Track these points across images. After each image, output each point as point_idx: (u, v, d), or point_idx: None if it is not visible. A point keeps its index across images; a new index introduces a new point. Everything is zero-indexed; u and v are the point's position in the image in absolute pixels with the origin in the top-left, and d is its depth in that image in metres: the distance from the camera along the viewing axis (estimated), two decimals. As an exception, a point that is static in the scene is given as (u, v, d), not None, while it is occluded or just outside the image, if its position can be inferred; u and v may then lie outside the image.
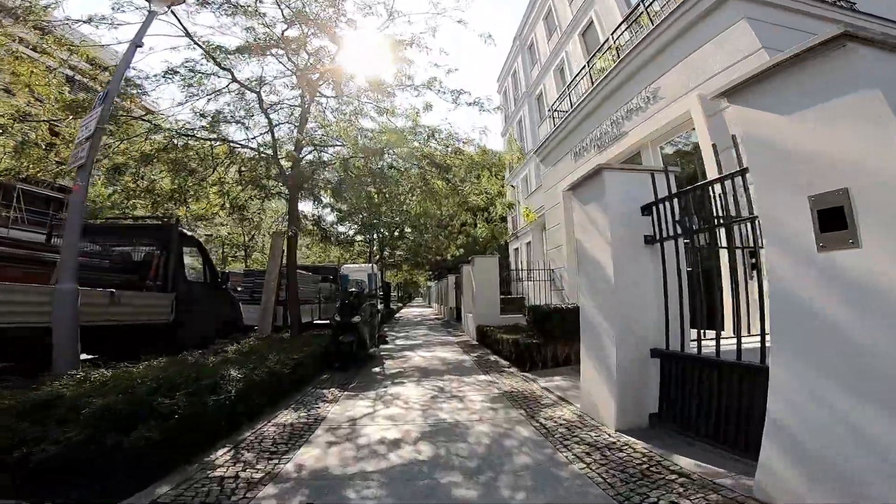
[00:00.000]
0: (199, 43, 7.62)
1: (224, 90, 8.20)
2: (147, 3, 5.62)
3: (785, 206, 1.87)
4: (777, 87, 1.94)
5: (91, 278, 6.16)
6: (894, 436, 1.49)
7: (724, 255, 3.56)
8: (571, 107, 10.11)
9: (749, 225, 2.98)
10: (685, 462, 2.65)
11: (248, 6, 7.73)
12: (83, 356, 6.36)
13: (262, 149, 8.26)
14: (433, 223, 15.77)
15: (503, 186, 16.74)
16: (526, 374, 5.66)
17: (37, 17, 7.72)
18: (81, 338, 5.81)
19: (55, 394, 3.05)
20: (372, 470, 2.75)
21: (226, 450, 3.14)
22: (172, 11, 7.29)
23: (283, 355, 5.16)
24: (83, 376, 3.57)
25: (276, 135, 8.33)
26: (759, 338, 2.66)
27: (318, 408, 4.22)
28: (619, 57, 8.11)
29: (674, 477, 2.47)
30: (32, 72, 7.49)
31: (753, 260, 4.65)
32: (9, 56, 7.37)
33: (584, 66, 10.34)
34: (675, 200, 3.05)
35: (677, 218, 3.04)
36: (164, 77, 7.68)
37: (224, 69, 7.87)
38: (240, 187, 8.53)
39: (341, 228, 15.38)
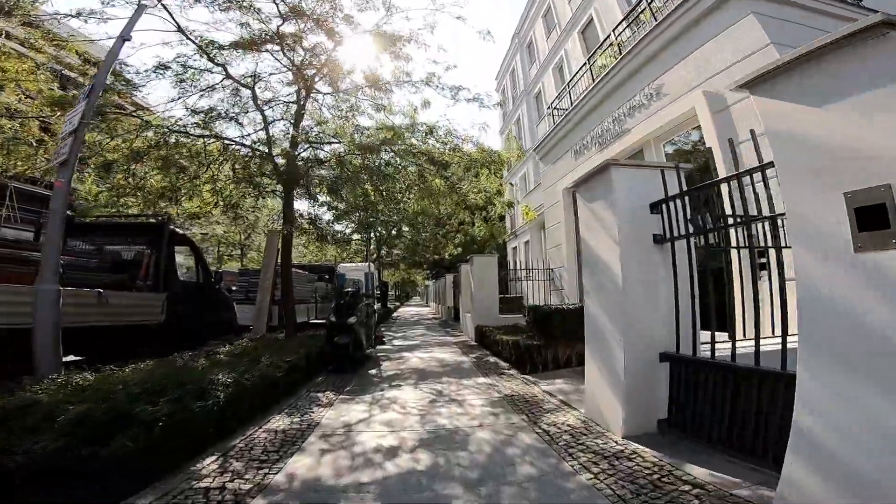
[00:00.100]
0: (192, 38, 7.43)
1: (218, 86, 8.02)
2: (136, -4, 5.43)
3: (816, 203, 1.73)
4: (807, 77, 1.79)
5: (79, 278, 5.99)
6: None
7: (732, 256, 3.43)
8: (571, 104, 9.98)
9: (760, 223, 2.86)
10: (698, 471, 2.51)
11: (243, 0, 7.56)
12: (71, 358, 6.23)
13: (255, 145, 8.07)
14: (431, 222, 15.61)
15: (502, 185, 16.59)
16: (526, 376, 5.51)
17: (24, 11, 7.52)
18: (68, 339, 5.65)
19: (31, 399, 2.89)
20: (367, 481, 2.60)
21: (214, 458, 2.98)
22: (164, 6, 7.11)
23: (277, 357, 4.99)
24: (64, 380, 3.41)
25: (270, 132, 8.16)
26: (773, 341, 2.53)
27: (312, 412, 4.06)
28: (620, 53, 7.99)
29: (687, 488, 2.33)
30: (20, 68, 7.29)
31: (763, 259, 4.55)
32: None
33: (585, 63, 10.21)
34: (688, 198, 2.91)
35: (689, 216, 2.89)
36: (154, 72, 7.49)
37: (218, 65, 7.69)
38: (233, 185, 8.33)
39: (338, 227, 15.19)
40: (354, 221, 14.54)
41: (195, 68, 7.71)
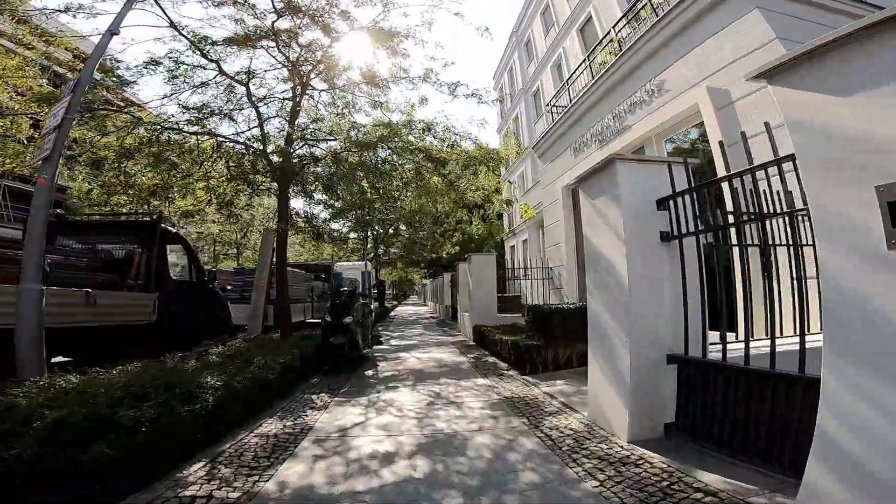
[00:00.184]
0: (184, 33, 7.27)
1: (211, 82, 7.86)
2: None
3: (843, 197, 1.61)
4: (834, 65, 1.68)
5: (67, 277, 5.84)
6: None
7: (743, 253, 3.32)
8: (570, 101, 9.86)
9: (774, 220, 2.74)
10: (710, 478, 2.39)
11: (238, -5, 7.41)
12: (60, 359, 6.08)
13: (249, 141, 7.93)
14: (429, 220, 15.48)
15: (500, 182, 16.48)
16: (526, 377, 5.40)
17: (12, 6, 7.35)
18: (57, 340, 5.52)
19: (10, 403, 2.75)
20: (362, 489, 2.47)
21: (201, 464, 2.85)
22: (156, 1, 6.95)
23: (270, 358, 4.86)
24: (47, 383, 3.26)
25: (266, 129, 8.02)
26: (784, 342, 2.42)
27: (306, 416, 3.93)
28: (620, 50, 7.88)
29: (699, 496, 2.21)
30: (7, 64, 7.12)
31: (765, 258, 4.44)
32: None
33: (584, 59, 10.11)
34: (697, 193, 2.79)
35: (699, 213, 2.78)
36: (145, 68, 7.33)
37: (211, 60, 7.54)
38: (227, 182, 8.18)
39: (335, 226, 15.04)
40: (351, 220, 14.38)
41: (188, 64, 7.56)
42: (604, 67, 8.31)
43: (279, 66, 8.18)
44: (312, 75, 8.19)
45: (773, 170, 2.40)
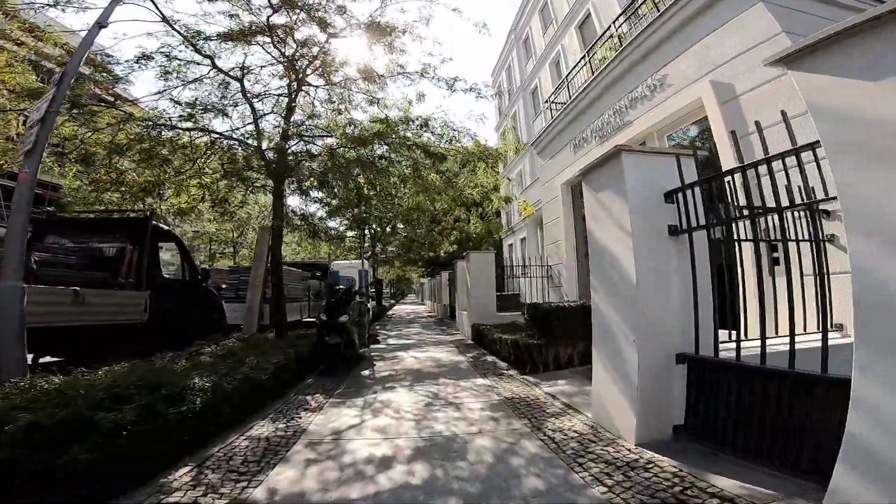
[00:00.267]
0: (177, 28, 7.10)
1: (205, 78, 7.69)
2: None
3: (879, 185, 1.49)
4: (862, 48, 1.56)
5: (55, 275, 5.68)
6: None
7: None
8: (570, 98, 9.74)
9: (778, 214, 2.60)
10: (724, 482, 2.26)
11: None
12: (48, 359, 5.94)
13: (243, 137, 7.77)
14: (426, 218, 15.33)
15: (499, 180, 16.35)
16: (526, 377, 5.27)
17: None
18: (45, 340, 5.39)
19: (-15, 405, 2.61)
20: (357, 496, 2.34)
21: (188, 469, 2.71)
22: (148, -6, 6.78)
23: (263, 358, 4.72)
24: (28, 384, 3.12)
25: (261, 126, 7.86)
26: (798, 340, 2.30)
27: (299, 418, 3.79)
28: (621, 45, 7.76)
29: (716, 502, 2.09)
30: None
31: (776, 254, 4.33)
32: None
33: (584, 55, 9.98)
34: (708, 185, 2.66)
35: (710, 205, 2.65)
36: (136, 63, 7.16)
37: (205, 56, 7.37)
38: (221, 179, 8.02)
39: (332, 224, 14.88)
40: (348, 218, 14.23)
41: (180, 60, 7.39)
42: (604, 63, 8.19)
43: (275, 62, 8.02)
44: (308, 71, 8.04)
45: (790, 162, 2.28)
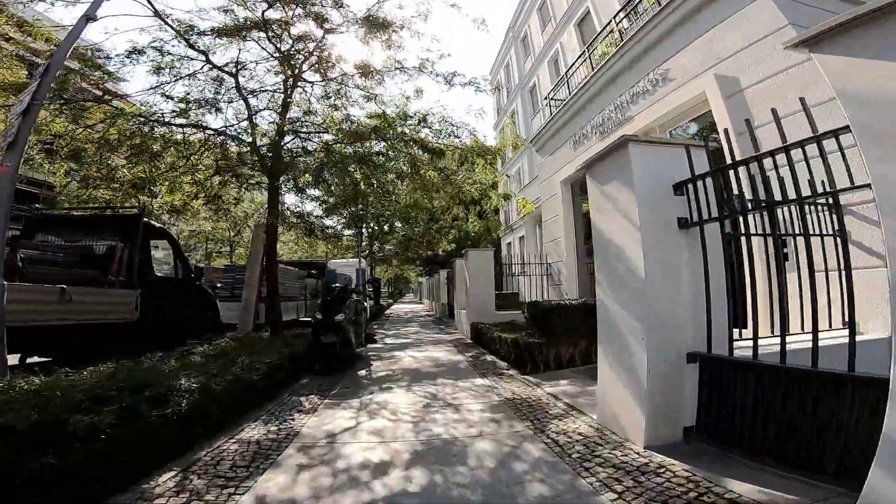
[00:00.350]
0: (169, 22, 6.92)
1: (199, 73, 7.52)
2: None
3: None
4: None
5: (43, 273, 5.52)
6: None
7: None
8: (569, 94, 9.62)
9: (789, 208, 2.48)
10: (742, 487, 2.13)
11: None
12: (35, 359, 5.78)
13: (237, 133, 7.61)
14: (424, 215, 15.18)
15: (497, 177, 16.19)
16: (527, 377, 5.13)
17: None
18: (30, 339, 5.24)
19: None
20: (350, 504, 2.20)
21: (172, 474, 2.56)
22: (138, -13, 6.61)
23: (256, 358, 4.57)
24: (6, 385, 2.96)
25: (256, 122, 7.70)
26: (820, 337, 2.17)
27: (292, 420, 3.64)
28: (621, 40, 7.64)
29: (733, 510, 1.96)
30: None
31: (785, 249, 4.20)
32: None
33: (584, 51, 9.87)
34: (721, 176, 2.53)
35: (724, 197, 2.52)
36: (128, 57, 6.99)
37: (198, 51, 7.20)
38: (214, 175, 7.86)
39: (329, 222, 14.72)
40: (345, 216, 14.07)
41: (173, 55, 7.23)
42: (604, 59, 8.07)
43: (270, 58, 7.86)
44: (305, 67, 7.89)
45: (809, 151, 2.15)
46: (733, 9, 5.53)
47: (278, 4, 7.27)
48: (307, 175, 7.81)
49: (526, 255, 11.98)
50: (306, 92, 8.46)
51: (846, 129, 1.97)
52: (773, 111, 2.41)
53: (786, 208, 2.72)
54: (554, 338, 5.52)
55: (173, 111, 7.20)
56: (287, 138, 7.87)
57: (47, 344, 5.61)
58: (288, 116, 7.82)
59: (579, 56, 10.13)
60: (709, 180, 2.68)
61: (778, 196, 2.33)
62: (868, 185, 1.64)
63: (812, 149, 2.17)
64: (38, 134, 6.76)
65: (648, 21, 6.76)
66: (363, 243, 18.72)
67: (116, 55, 7.04)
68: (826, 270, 2.32)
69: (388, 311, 23.89)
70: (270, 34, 7.43)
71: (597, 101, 8.46)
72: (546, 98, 11.84)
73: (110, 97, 7.43)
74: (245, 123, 7.69)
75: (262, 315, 9.03)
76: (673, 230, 2.80)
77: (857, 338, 1.94)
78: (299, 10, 7.45)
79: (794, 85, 4.49)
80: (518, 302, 10.46)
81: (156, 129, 7.30)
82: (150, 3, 6.73)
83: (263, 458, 2.81)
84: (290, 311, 10.95)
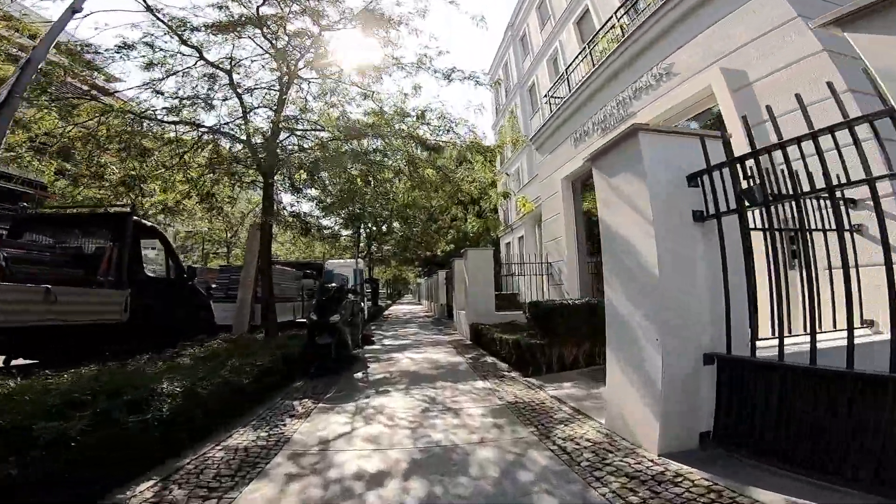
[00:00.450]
0: (160, 17, 6.74)
1: (192, 69, 7.34)
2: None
3: None
4: None
5: (29, 273, 5.34)
6: None
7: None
8: (570, 91, 9.46)
9: (830, 197, 2.32)
10: (770, 497, 1.96)
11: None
12: (20, 361, 5.59)
13: (230, 130, 7.44)
14: (423, 215, 15.00)
15: (496, 175, 16.02)
16: (529, 379, 4.95)
17: None
18: (14, 340, 5.05)
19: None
20: (342, 520, 2.02)
21: (151, 483, 2.39)
22: (130, -18, 6.45)
23: (248, 360, 4.38)
24: (-24, 389, 2.78)
25: (251, 119, 7.52)
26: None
27: (284, 425, 3.45)
28: (623, 36, 7.49)
29: (761, 524, 1.79)
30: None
31: (794, 246, 4.04)
32: None
33: (585, 47, 9.73)
34: (740, 166, 2.37)
35: (744, 188, 2.35)
36: (117, 52, 6.81)
37: (191, 47, 7.02)
38: (207, 173, 7.68)
39: (326, 222, 14.53)
40: (342, 216, 13.89)
41: (165, 50, 7.04)
42: (605, 55, 7.92)
43: (265, 54, 7.69)
44: (301, 64, 7.72)
45: (836, 139, 1.99)
46: (739, 1, 5.39)
47: (273, 0, 7.11)
48: (302, 172, 7.61)
49: (525, 255, 11.82)
50: (302, 90, 8.31)
51: (882, 113, 1.82)
52: (798, 96, 2.24)
53: (823, 197, 2.54)
54: (556, 338, 5.35)
55: (165, 108, 7.03)
56: (283, 135, 7.70)
57: (33, 345, 5.43)
58: (284, 114, 7.65)
59: (580, 52, 9.99)
60: (726, 172, 2.52)
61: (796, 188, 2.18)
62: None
63: (843, 136, 2.01)
64: (27, 132, 6.59)
65: (651, 15, 6.62)
66: (361, 244, 18.53)
67: (105, 50, 6.86)
68: (857, 266, 2.15)
69: (386, 312, 23.69)
70: (266, 30, 7.26)
71: (598, 97, 8.31)
72: (546, 96, 11.69)
73: (99, 93, 7.25)
74: (239, 121, 7.52)
75: (258, 316, 8.84)
76: (688, 223, 2.63)
77: (875, 337, 1.79)
78: (296, 7, 7.29)
79: (808, 77, 4.35)
80: (517, 302, 10.30)
81: (145, 125, 7.12)
82: (143, -1, 6.56)
83: (250, 467, 2.63)
84: (286, 312, 10.76)
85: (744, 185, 2.46)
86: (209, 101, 7.34)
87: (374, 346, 8.55)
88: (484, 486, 2.31)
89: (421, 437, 3.12)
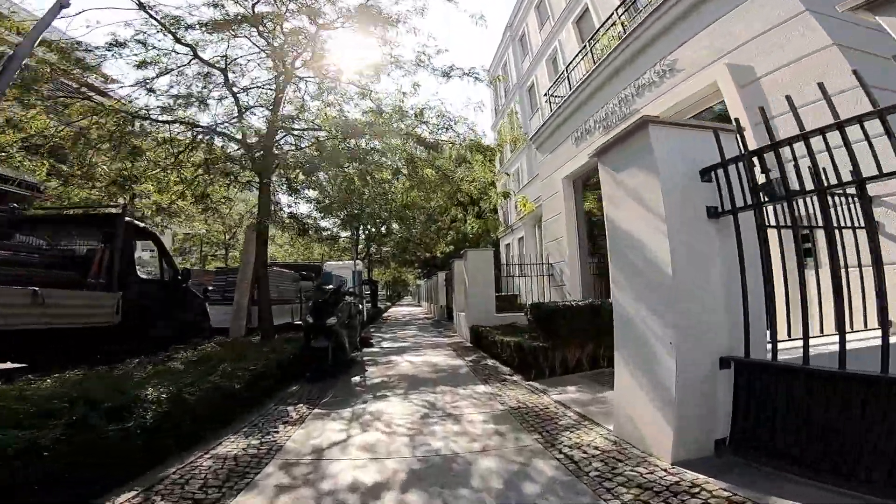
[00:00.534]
0: (153, 14, 6.61)
1: (185, 67, 7.21)
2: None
3: None
4: None
5: (16, 275, 5.18)
6: None
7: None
8: (570, 90, 9.35)
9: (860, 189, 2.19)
10: (794, 510, 1.82)
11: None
12: (7, 365, 5.44)
13: (226, 129, 7.31)
14: (422, 215, 14.86)
15: (496, 175, 15.89)
16: (532, 383, 4.81)
17: None
18: (1, 343, 4.90)
19: None
20: (335, 537, 1.87)
21: (132, 495, 2.25)
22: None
23: (241, 364, 4.23)
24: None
25: (246, 119, 7.38)
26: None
27: (276, 432, 3.30)
28: (624, 33, 7.38)
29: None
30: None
31: (808, 244, 3.91)
32: None
33: (585, 45, 9.61)
34: (758, 159, 2.23)
35: (763, 183, 2.22)
36: (108, 50, 6.68)
37: (185, 45, 6.90)
38: (201, 173, 7.55)
39: (324, 224, 14.39)
40: (341, 217, 13.75)
41: (158, 48, 6.92)
42: (605, 53, 7.81)
43: (261, 52, 7.57)
44: (298, 63, 7.59)
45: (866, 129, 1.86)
46: (745, -5, 5.29)
47: (269, -3, 7.00)
48: (298, 171, 7.48)
49: (526, 255, 11.68)
50: (300, 89, 8.19)
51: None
52: (821, 85, 2.10)
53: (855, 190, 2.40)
54: (559, 341, 5.20)
55: (159, 107, 6.90)
56: (279, 135, 7.57)
57: (21, 349, 5.29)
58: (280, 113, 7.52)
59: (580, 50, 9.88)
60: (741, 166, 2.38)
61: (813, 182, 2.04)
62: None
63: (873, 126, 1.87)
64: (19, 132, 6.46)
65: (654, 11, 6.51)
66: (360, 245, 18.39)
67: (96, 48, 6.73)
68: (881, 264, 2.00)
69: (385, 314, 23.53)
70: (262, 29, 7.14)
71: (599, 95, 8.20)
72: (546, 95, 11.58)
73: (90, 91, 7.11)
74: (234, 120, 7.39)
75: (255, 319, 8.70)
76: (702, 220, 2.50)
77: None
78: (292, 5, 7.18)
79: (818, 70, 4.23)
80: (518, 304, 10.15)
81: (138, 124, 6.99)
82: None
83: (239, 477, 2.48)
84: (284, 315, 10.60)
85: (761, 179, 2.32)
86: (204, 101, 7.21)
87: (373, 349, 8.40)
88: (487, 499, 2.17)
89: (420, 445, 2.98)
